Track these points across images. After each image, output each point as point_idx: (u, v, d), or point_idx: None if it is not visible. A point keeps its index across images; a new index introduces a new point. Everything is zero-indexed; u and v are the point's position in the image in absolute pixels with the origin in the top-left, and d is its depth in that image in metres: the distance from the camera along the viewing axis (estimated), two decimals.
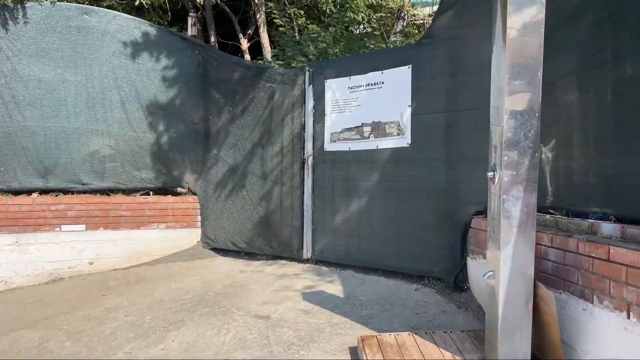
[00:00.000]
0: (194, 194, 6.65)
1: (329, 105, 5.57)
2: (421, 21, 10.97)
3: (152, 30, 6.38)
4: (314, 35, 7.89)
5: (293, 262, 5.88)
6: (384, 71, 5.06)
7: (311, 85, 5.74)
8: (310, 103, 5.76)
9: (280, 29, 8.34)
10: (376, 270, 5.23)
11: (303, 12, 9.09)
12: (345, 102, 5.41)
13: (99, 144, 6.14)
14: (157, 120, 6.42)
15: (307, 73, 5.80)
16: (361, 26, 9.36)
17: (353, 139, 5.32)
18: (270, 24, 8.93)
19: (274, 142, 6.04)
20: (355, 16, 8.35)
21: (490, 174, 2.65)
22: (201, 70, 6.61)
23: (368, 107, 5.19)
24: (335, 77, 5.52)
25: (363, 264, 5.29)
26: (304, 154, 5.79)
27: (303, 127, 5.80)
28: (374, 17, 9.16)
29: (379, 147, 5.09)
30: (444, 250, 4.60)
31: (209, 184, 6.54)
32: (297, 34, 8.79)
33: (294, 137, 5.88)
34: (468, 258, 4.43)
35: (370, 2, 8.54)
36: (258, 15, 8.83)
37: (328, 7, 8.71)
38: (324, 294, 4.60)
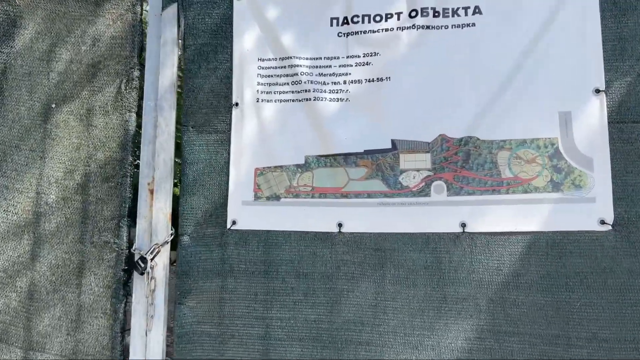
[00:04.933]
0: None
1: (249, 78, 1.63)
2: None
3: None
4: None
5: None
6: None
7: (176, 11, 1.68)
8: (168, 66, 1.67)
9: None
10: None
11: None
12: (318, 69, 1.58)
13: None
14: None
15: None
16: None
17: (353, 195, 1.50)
18: None
19: None
20: None
21: None
22: None
23: (417, 91, 1.51)
24: None
25: None
26: (128, 239, 1.63)
27: (130, 143, 1.67)
28: None
29: (468, 231, 1.41)
30: None
31: None
32: None
33: (95, 175, 1.66)
34: None
35: None
36: None
37: None
38: None
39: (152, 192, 1.64)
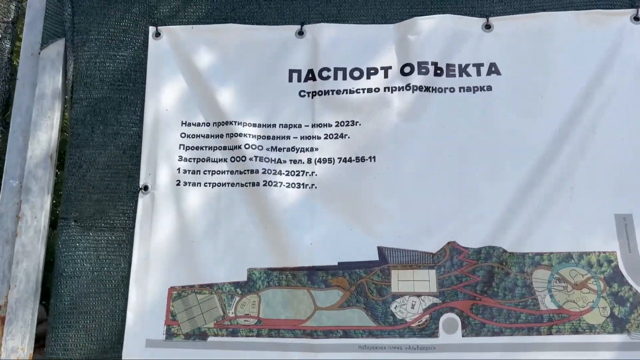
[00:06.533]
0: None
1: (166, 151, 1.11)
2: None
3: None
4: None
5: None
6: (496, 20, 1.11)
7: (62, 50, 1.16)
8: (43, 129, 1.14)
9: None
10: None
11: None
12: (270, 141, 1.10)
13: None
14: None
15: None
16: None
17: (321, 333, 0.98)
18: None
19: None
20: None
21: None
22: None
23: (414, 178, 1.06)
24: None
25: None
26: None
27: None
28: None
29: None
30: None
31: None
32: None
33: None
34: None
35: None
36: None
37: None
38: None
39: (2, 321, 1.04)
